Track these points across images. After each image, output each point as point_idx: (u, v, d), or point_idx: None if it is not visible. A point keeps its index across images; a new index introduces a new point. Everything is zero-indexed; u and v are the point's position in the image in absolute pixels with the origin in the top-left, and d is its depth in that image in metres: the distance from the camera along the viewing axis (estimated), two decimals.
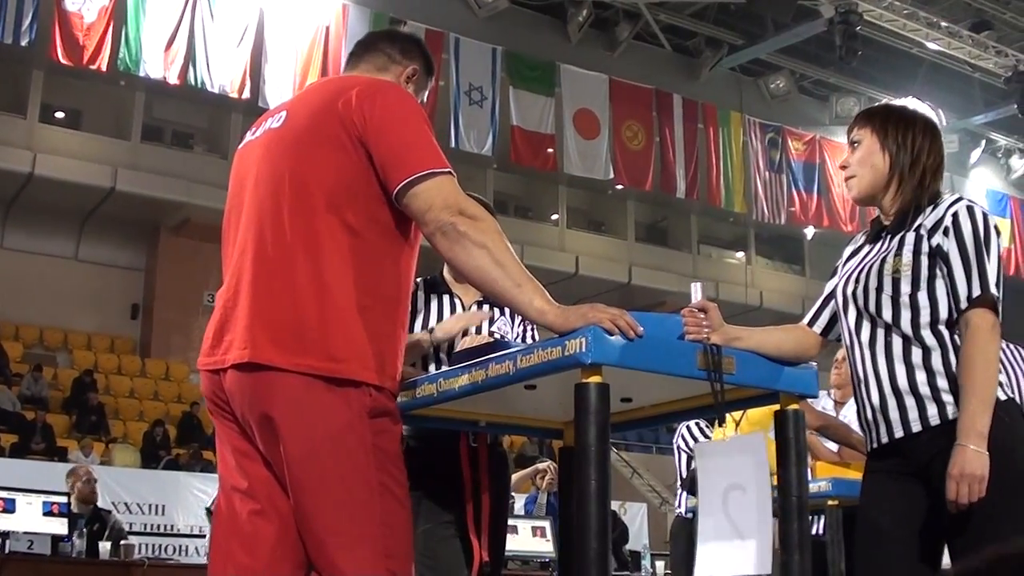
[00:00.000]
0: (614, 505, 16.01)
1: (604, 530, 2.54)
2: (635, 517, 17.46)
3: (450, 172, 2.80)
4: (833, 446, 6.48)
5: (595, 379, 2.58)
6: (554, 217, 28.24)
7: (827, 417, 6.07)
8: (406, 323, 2.95)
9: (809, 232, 27.89)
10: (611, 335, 2.58)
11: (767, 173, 25.05)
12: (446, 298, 4.17)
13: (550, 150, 23.16)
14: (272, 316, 2.75)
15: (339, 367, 2.71)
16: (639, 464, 24.57)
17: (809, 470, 6.76)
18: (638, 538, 15.81)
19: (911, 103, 3.99)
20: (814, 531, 6.53)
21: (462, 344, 3.71)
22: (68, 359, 22.74)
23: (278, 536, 2.80)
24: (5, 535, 7.61)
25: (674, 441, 7.55)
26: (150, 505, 14.27)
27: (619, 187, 25.83)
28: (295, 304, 2.74)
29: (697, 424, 7.27)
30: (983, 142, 30.38)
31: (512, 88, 22.59)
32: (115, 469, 16.12)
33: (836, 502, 5.92)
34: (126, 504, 14.15)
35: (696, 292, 2.96)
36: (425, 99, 3.28)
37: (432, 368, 3.99)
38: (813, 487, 6.20)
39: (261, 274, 2.80)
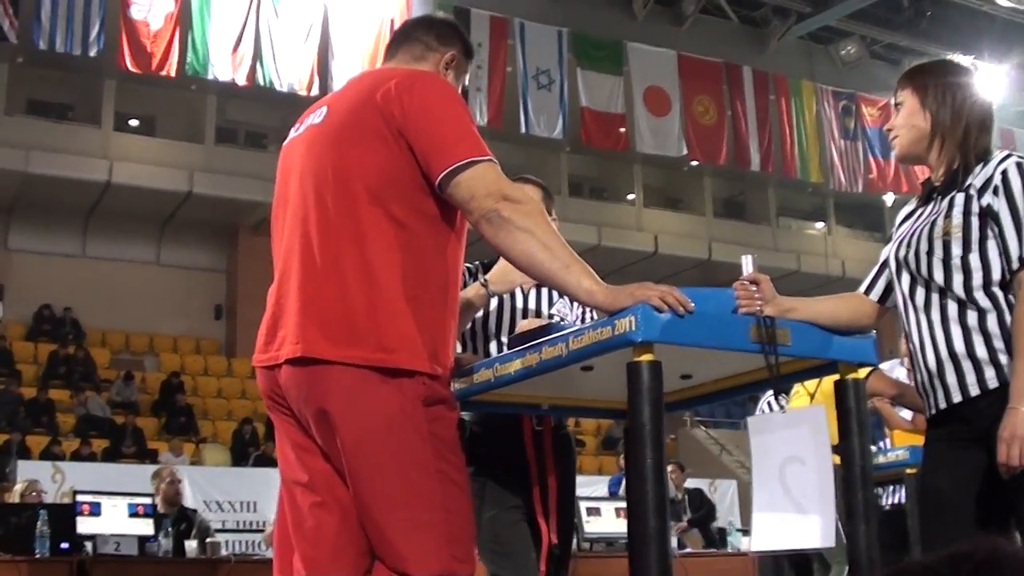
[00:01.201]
0: (703, 484, 16.06)
1: (662, 508, 2.52)
2: (726, 494, 17.43)
3: (491, 159, 2.80)
4: (908, 414, 6.41)
5: (647, 357, 2.56)
6: (630, 197, 28.05)
7: (901, 385, 6.00)
8: (456, 311, 2.96)
9: (889, 199, 27.50)
10: (660, 312, 2.56)
11: (842, 141, 24.75)
12: None
13: (622, 129, 23.07)
14: (322, 310, 2.77)
15: (391, 357, 2.72)
16: (727, 441, 24.41)
17: (888, 439, 6.71)
18: (728, 515, 15.76)
19: (954, 59, 3.90)
20: (896, 500, 6.46)
21: (519, 328, 3.70)
22: (155, 363, 23.06)
23: (340, 527, 2.83)
24: (92, 538, 7.73)
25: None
26: (242, 502, 14.44)
27: (693, 163, 25.62)
28: (344, 297, 2.76)
29: (777, 399, 7.20)
30: None
31: (580, 69, 22.52)
32: (206, 468, 16.36)
33: (915, 470, 5.85)
34: (217, 503, 14.34)
35: (747, 264, 2.93)
36: (467, 82, 3.29)
37: (493, 351, 3.99)
38: (892, 456, 6.15)
39: (309, 269, 2.83)
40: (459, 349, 4.01)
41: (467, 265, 4.14)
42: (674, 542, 10.26)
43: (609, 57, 23.00)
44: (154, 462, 16.23)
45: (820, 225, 30.54)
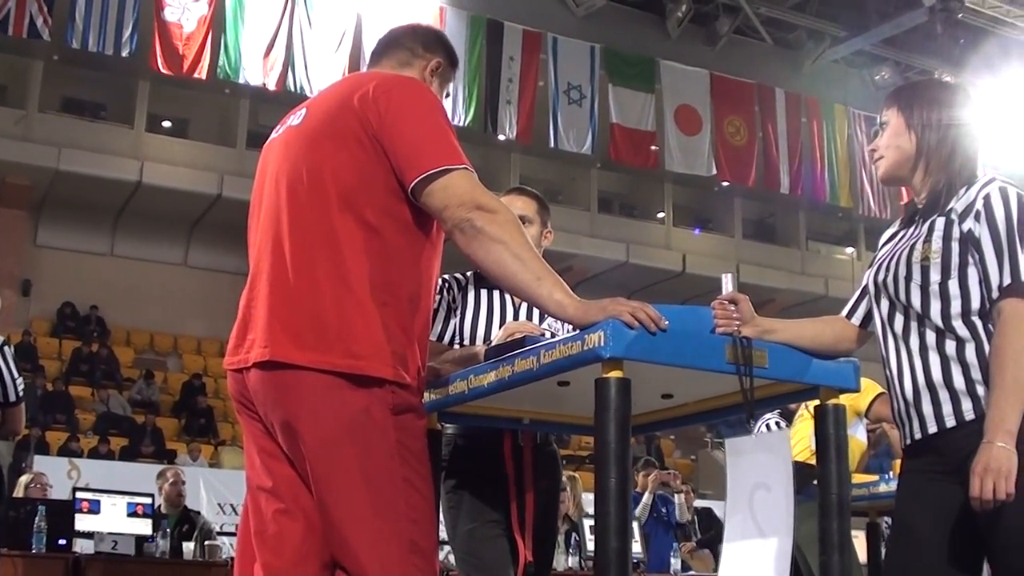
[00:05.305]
0: (717, 505, 15.88)
1: (624, 528, 2.47)
2: None
3: (466, 167, 2.75)
4: None
5: (615, 374, 2.51)
6: (660, 215, 27.96)
7: None
8: (428, 320, 2.92)
9: None
10: (631, 328, 2.51)
11: (873, 167, 24.58)
12: (496, 293, 4.08)
13: (652, 147, 23.02)
14: (291, 314, 2.73)
15: (360, 364, 2.68)
16: None
17: (893, 470, 6.62)
18: None
19: (943, 79, 3.81)
20: None
21: (502, 331, 3.65)
22: (178, 363, 23.13)
23: (303, 535, 2.77)
24: (90, 535, 7.72)
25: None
26: None
27: (724, 184, 25.50)
28: (314, 302, 2.71)
29: (777, 422, 7.13)
30: None
31: (611, 86, 22.51)
32: (223, 471, 16.36)
33: None
34: (232, 506, 14.32)
35: (727, 283, 2.88)
36: (450, 91, 3.26)
37: None
38: (894, 486, 6.05)
39: (279, 272, 2.79)
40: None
41: (457, 276, 4.10)
42: (678, 564, 10.17)
43: (641, 74, 22.95)
44: (172, 463, 16.21)
45: (850, 250, 30.36)
